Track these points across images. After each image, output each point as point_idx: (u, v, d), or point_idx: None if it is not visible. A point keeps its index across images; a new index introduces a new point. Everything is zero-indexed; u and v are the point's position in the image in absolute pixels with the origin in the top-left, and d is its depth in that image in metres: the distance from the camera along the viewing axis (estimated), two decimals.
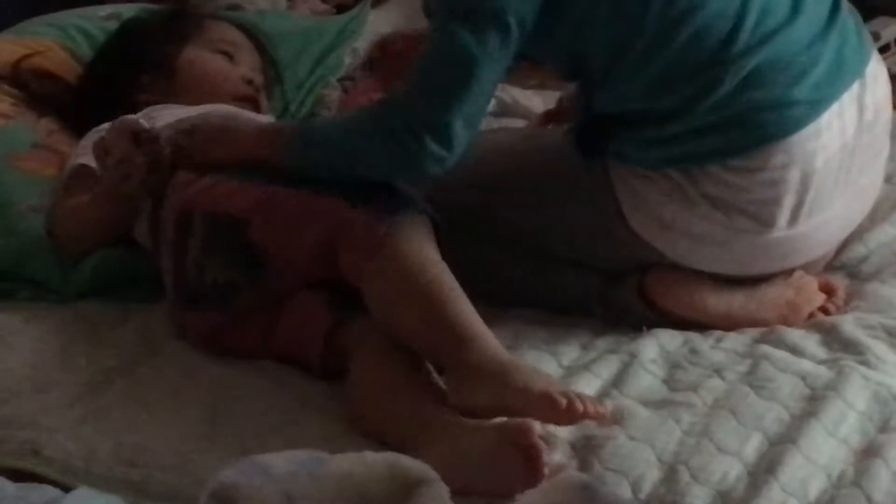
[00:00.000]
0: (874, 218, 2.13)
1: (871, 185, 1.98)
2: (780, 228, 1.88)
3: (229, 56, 2.36)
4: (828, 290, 1.99)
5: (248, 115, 2.24)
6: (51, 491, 1.57)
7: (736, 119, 1.82)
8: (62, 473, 1.75)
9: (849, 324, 1.90)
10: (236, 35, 2.42)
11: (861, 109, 1.89)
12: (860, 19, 1.96)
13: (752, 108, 1.82)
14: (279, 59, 2.53)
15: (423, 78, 1.83)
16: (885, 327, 1.88)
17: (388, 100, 1.87)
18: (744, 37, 1.80)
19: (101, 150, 2.01)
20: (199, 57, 2.33)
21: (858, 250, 2.09)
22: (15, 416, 1.84)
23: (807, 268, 1.98)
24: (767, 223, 1.87)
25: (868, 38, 1.96)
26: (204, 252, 1.91)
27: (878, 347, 1.83)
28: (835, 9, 1.90)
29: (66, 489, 1.61)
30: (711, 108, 1.82)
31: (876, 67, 1.94)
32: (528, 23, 1.80)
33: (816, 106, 1.84)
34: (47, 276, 2.10)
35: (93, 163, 2.13)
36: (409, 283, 1.77)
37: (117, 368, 1.93)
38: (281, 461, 1.57)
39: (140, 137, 1.97)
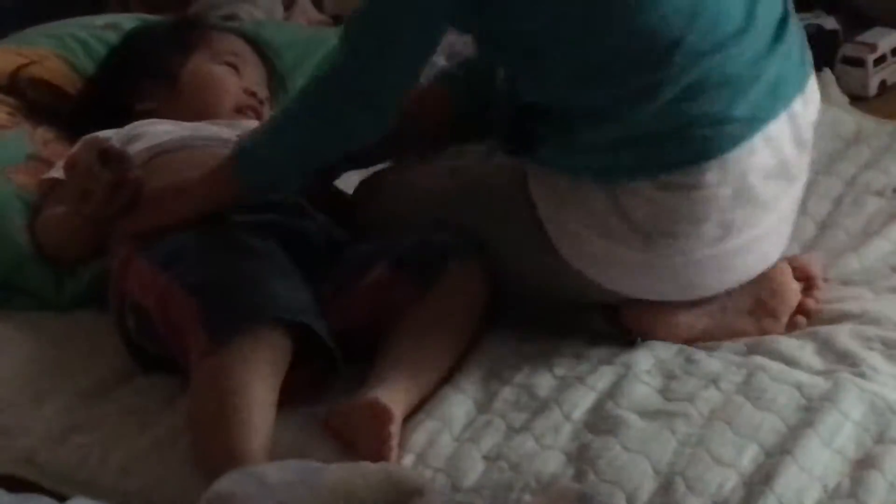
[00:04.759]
0: (868, 232, 2.13)
1: (792, 208, 1.92)
2: (708, 246, 1.83)
3: (234, 68, 2.36)
4: (805, 277, 1.97)
5: (221, 134, 2.20)
6: (46, 501, 1.57)
7: (673, 132, 1.78)
8: (58, 483, 1.75)
9: (844, 335, 1.89)
10: (242, 47, 2.42)
11: (796, 128, 1.84)
12: (805, 35, 1.91)
13: (690, 121, 1.77)
14: (280, 71, 2.53)
15: (351, 45, 1.84)
16: (881, 339, 1.88)
17: (317, 76, 1.89)
18: (692, 42, 1.75)
19: (70, 164, 2.00)
20: (203, 68, 2.33)
21: (852, 264, 2.09)
22: (10, 425, 1.84)
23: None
24: (692, 241, 1.82)
25: (809, 55, 1.91)
26: (138, 336, 1.92)
27: (874, 358, 1.83)
28: (783, 24, 1.85)
29: (62, 499, 1.61)
30: (649, 118, 1.77)
31: (812, 87, 1.89)
32: None
33: (753, 123, 1.79)
34: (42, 286, 2.10)
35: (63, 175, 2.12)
36: (215, 398, 1.72)
37: (113, 378, 1.93)
38: (277, 471, 1.57)
39: (107, 155, 1.95)
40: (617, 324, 1.92)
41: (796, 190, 1.89)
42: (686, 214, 1.80)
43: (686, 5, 1.75)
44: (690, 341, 1.90)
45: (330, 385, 1.84)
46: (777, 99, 1.82)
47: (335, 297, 1.89)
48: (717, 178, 1.78)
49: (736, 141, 1.78)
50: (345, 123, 1.86)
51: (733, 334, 1.91)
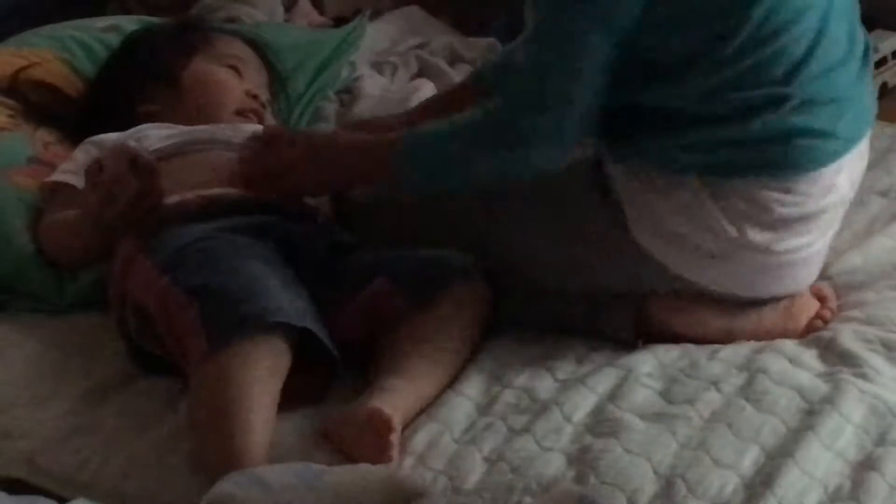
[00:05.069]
0: (871, 231, 2.13)
1: (835, 231, 1.99)
2: (791, 251, 1.88)
3: (236, 70, 2.36)
4: (820, 298, 1.99)
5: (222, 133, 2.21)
6: (46, 503, 1.57)
7: (780, 140, 1.82)
8: (58, 485, 1.75)
9: (846, 337, 1.89)
10: (243, 49, 2.42)
11: (861, 158, 1.93)
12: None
13: (799, 133, 1.82)
14: (282, 74, 2.53)
15: (533, 73, 1.82)
16: (883, 340, 1.88)
17: (497, 103, 1.86)
18: (813, 64, 1.82)
19: (95, 169, 2.00)
20: (204, 70, 2.33)
21: (855, 262, 2.09)
22: (11, 427, 1.85)
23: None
24: (776, 242, 1.86)
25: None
26: (139, 336, 1.91)
27: (876, 360, 1.83)
28: (866, 54, 1.93)
29: (63, 501, 1.61)
30: (762, 125, 1.81)
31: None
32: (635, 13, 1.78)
33: (848, 143, 1.87)
34: (43, 289, 2.10)
35: (72, 180, 2.12)
36: (215, 401, 1.73)
37: (113, 380, 1.92)
38: (278, 473, 1.57)
39: (137, 164, 1.95)
40: (636, 318, 1.92)
41: (840, 214, 1.96)
42: (774, 217, 1.85)
43: (813, 27, 1.81)
44: (711, 340, 1.91)
45: (330, 390, 1.84)
46: (864, 122, 1.91)
47: (332, 309, 1.88)
48: (808, 189, 1.85)
49: (833, 157, 1.85)
50: (532, 159, 1.84)
51: (754, 337, 1.92)
